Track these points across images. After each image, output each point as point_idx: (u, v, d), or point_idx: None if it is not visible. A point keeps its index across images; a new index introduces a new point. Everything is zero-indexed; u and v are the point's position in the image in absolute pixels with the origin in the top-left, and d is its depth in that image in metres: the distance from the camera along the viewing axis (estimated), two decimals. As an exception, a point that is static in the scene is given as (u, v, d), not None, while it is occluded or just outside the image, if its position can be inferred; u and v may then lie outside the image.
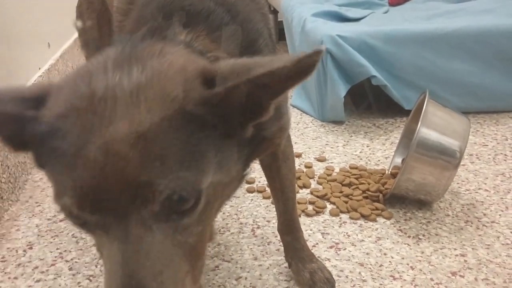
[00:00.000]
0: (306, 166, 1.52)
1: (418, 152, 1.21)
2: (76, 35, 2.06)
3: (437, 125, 1.24)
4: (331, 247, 1.15)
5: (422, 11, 2.11)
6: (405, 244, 1.16)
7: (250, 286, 1.04)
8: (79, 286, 1.05)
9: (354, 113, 1.91)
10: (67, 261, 1.13)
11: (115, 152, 0.47)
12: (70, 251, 1.16)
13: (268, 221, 1.26)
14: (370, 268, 1.08)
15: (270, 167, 0.99)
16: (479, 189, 1.38)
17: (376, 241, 1.17)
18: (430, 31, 1.78)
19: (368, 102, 1.94)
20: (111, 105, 0.49)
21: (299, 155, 1.60)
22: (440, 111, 1.29)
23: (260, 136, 0.63)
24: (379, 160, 1.56)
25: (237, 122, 0.54)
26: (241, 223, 1.25)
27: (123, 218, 0.49)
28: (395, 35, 1.76)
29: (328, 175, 1.46)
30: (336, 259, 1.11)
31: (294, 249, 1.04)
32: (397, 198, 1.31)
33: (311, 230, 1.21)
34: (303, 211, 1.28)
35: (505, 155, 1.57)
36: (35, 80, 1.65)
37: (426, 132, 1.22)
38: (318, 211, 1.29)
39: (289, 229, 1.04)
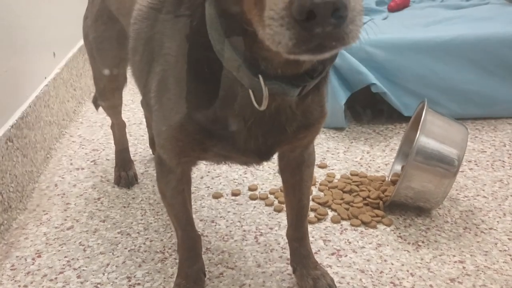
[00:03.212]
0: (307, 173, 1.55)
1: (417, 160, 1.24)
2: (80, 43, 2.10)
3: (435, 134, 1.27)
4: (332, 254, 1.18)
5: (420, 18, 2.13)
6: (405, 250, 1.19)
7: (254, 293, 1.07)
8: (87, 294, 1.07)
9: (354, 119, 1.94)
10: (75, 269, 1.15)
11: None
12: (77, 259, 1.18)
13: (271, 228, 1.28)
14: (370, 274, 1.11)
15: (293, 172, 1.01)
16: (478, 195, 1.41)
17: (376, 248, 1.20)
18: (429, 39, 1.81)
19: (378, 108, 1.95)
20: None
21: (300, 162, 1.62)
22: (438, 120, 1.32)
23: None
24: (379, 167, 1.58)
25: None
26: (244, 231, 1.28)
27: None
28: (394, 43, 1.79)
29: (329, 181, 1.48)
30: (338, 266, 1.14)
31: (300, 255, 1.07)
32: (397, 205, 1.34)
33: (313, 237, 1.24)
34: (305, 218, 1.31)
35: (503, 161, 1.60)
36: (41, 90, 1.68)
37: (425, 140, 1.25)
38: (320, 218, 1.31)
39: (298, 235, 1.07)
